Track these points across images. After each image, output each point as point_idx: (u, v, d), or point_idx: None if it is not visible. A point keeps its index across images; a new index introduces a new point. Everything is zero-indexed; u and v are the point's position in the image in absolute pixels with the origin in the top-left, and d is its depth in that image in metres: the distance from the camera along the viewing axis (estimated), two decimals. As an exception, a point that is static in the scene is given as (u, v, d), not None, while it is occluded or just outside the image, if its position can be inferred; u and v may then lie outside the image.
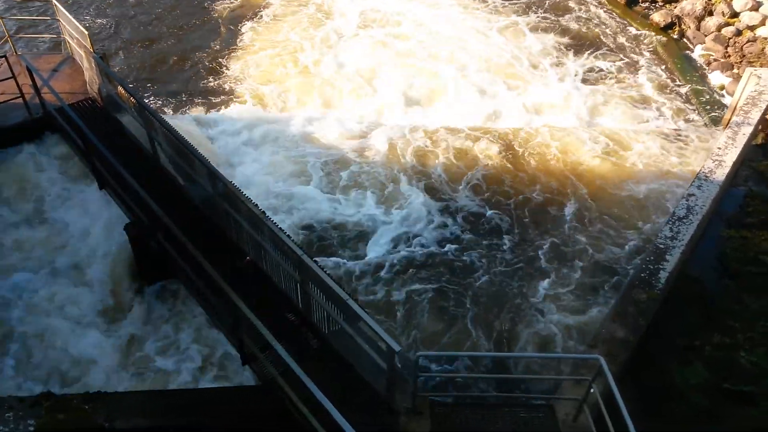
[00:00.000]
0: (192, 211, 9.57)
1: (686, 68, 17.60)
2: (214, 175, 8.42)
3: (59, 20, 12.28)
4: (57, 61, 13.04)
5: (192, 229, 8.26)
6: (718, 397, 8.06)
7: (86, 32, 11.11)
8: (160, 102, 15.70)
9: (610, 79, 17.03)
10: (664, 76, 17.23)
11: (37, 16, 18.74)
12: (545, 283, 10.86)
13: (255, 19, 19.88)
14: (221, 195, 8.61)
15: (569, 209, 12.41)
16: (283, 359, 6.21)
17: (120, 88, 10.74)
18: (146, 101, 11.95)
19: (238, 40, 18.70)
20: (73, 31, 11.71)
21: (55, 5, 12.14)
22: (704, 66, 17.72)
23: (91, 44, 11.20)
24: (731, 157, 12.07)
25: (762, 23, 17.74)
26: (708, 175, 11.58)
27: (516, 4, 20.91)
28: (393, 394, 6.93)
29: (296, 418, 6.71)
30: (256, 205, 8.03)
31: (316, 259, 10.61)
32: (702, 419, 7.90)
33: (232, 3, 20.94)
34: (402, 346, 9.09)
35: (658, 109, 15.89)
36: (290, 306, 8.14)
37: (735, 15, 18.43)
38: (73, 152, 11.10)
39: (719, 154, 12.17)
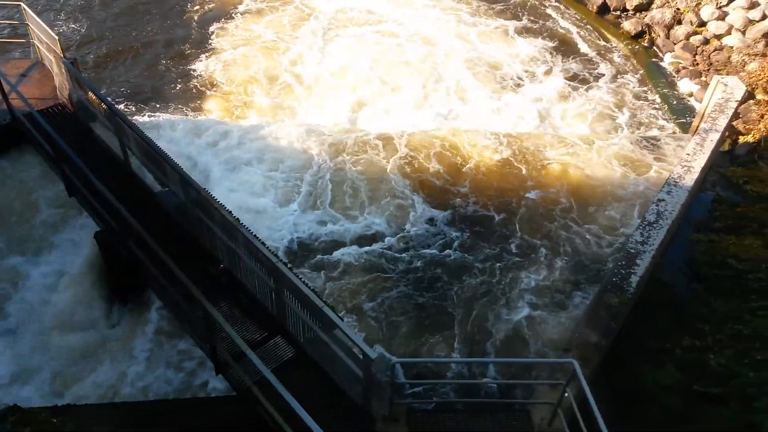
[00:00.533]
0: (164, 218, 9.43)
1: (656, 76, 17.97)
2: (187, 182, 8.33)
3: (28, 24, 12.05)
4: (25, 66, 12.78)
5: (164, 237, 8.16)
6: (689, 399, 8.20)
7: (56, 37, 10.92)
8: (131, 108, 15.48)
9: (581, 86, 17.29)
10: (634, 83, 17.56)
11: (4, 20, 18.36)
12: (524, 286, 10.97)
13: (230, 22, 19.71)
14: (194, 202, 8.52)
15: (537, 213, 12.54)
16: (257, 368, 6.15)
17: (91, 94, 10.58)
18: (117, 107, 11.78)
19: (212, 44, 18.53)
20: (43, 36, 11.50)
21: (24, 9, 11.91)
22: (673, 73, 18.12)
23: (62, 49, 11.01)
24: (699, 163, 12.34)
25: (728, 32, 18.21)
26: (677, 180, 11.82)
27: (488, 11, 21.10)
28: (370, 401, 6.91)
29: (271, 427, 6.64)
30: (230, 212, 7.95)
31: (291, 266, 10.62)
32: (674, 421, 8.02)
33: (205, 6, 20.77)
34: (378, 354, 9.11)
35: (628, 115, 16.17)
36: (265, 314, 8.07)
37: (703, 24, 18.88)
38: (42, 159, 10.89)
39: (688, 160, 12.43)
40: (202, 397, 8.41)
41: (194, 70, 17.09)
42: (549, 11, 21.36)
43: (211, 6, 20.66)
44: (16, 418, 6.26)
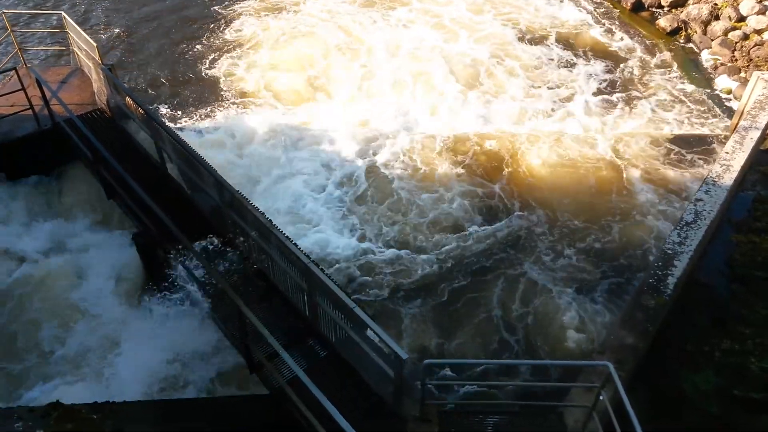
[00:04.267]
0: (199, 220, 9.62)
1: (693, 73, 17.55)
2: (221, 185, 8.48)
3: (68, 32, 12.42)
4: (66, 72, 13.17)
5: (199, 238, 8.31)
6: (728, 404, 7.99)
7: (95, 44, 11.23)
8: (168, 112, 15.80)
9: (617, 84, 17.01)
10: (670, 81, 17.18)
11: (46, 28, 18.97)
12: (558, 287, 10.85)
13: (269, 27, 19.95)
14: (228, 204, 8.66)
15: (577, 213, 12.39)
16: (290, 367, 6.22)
17: (128, 99, 10.84)
18: (154, 111, 12.06)
19: (251, 49, 18.75)
20: (82, 43, 11.83)
21: (64, 18, 12.29)
22: (711, 70, 17.66)
23: (100, 56, 11.31)
24: (739, 161, 12.00)
25: (769, 27, 17.70)
26: (716, 179, 11.52)
27: (521, 9, 20.92)
28: (400, 401, 6.92)
29: (304, 426, 6.71)
30: (263, 213, 8.06)
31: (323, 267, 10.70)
32: (712, 426, 7.83)
33: (245, 9, 21.06)
34: (409, 354, 9.11)
35: (665, 114, 15.83)
36: (297, 314, 8.15)
37: (742, 19, 18.37)
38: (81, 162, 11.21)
39: (727, 158, 12.10)
40: (237, 395, 8.53)
41: (234, 77, 17.28)
42: (582, 8, 21.08)
43: (252, 13, 20.89)
44: (59, 414, 6.46)
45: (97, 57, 11.26)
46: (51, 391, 8.67)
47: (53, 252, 10.73)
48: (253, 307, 6.88)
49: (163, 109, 15.89)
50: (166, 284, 10.10)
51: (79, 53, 12.59)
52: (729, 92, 16.63)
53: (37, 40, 18.84)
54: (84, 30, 11.87)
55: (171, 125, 12.92)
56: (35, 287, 10.14)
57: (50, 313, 9.86)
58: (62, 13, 12.57)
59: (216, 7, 21.30)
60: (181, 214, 9.24)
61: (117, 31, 20.03)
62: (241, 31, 19.68)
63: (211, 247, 8.93)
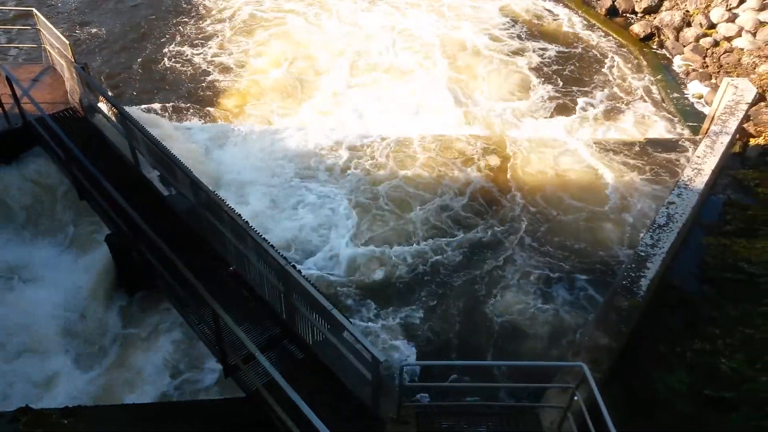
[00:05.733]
0: (174, 221, 9.49)
1: (665, 78, 17.88)
2: (197, 185, 8.37)
3: (40, 30, 12.17)
4: (37, 71, 12.89)
5: (174, 240, 8.20)
6: (700, 403, 8.13)
7: (67, 42, 11.01)
8: (141, 112, 15.55)
9: (591, 89, 17.23)
10: (643, 86, 17.47)
11: (17, 25, 18.56)
12: (534, 289, 10.95)
13: (250, 18, 19.83)
14: (204, 205, 8.56)
15: (551, 216, 12.50)
16: (266, 370, 6.16)
17: (101, 98, 10.67)
18: (128, 111, 11.88)
19: (231, 44, 18.59)
20: (54, 41, 11.60)
21: (36, 15, 12.03)
22: (683, 76, 18.01)
23: (73, 54, 11.10)
24: (710, 165, 12.26)
25: (738, 34, 18.10)
26: (687, 183, 11.75)
27: (490, 16, 21.08)
28: (378, 403, 6.91)
29: (280, 429, 6.65)
30: (239, 215, 7.98)
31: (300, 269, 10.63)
32: (685, 425, 7.96)
33: (220, 11, 20.85)
34: (387, 356, 9.12)
35: (637, 119, 16.08)
36: (275, 317, 8.09)
37: (712, 26, 18.78)
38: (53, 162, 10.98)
39: (698, 162, 12.35)
40: (212, 399, 8.43)
41: (208, 76, 17.12)
42: (557, 14, 21.33)
43: (228, 15, 20.70)
44: (28, 419, 6.30)
45: (69, 55, 11.05)
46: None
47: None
48: (229, 309, 6.79)
49: (137, 109, 15.65)
50: (140, 286, 9.99)
51: (51, 51, 12.34)
52: (700, 97, 16.97)
53: (7, 36, 18.43)
54: (56, 27, 11.64)
55: (144, 124, 12.70)
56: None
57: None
58: (33, 9, 12.31)
59: (196, 7, 21.04)
60: (156, 215, 9.11)
61: (90, 28, 19.68)
62: (220, 24, 19.51)
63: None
